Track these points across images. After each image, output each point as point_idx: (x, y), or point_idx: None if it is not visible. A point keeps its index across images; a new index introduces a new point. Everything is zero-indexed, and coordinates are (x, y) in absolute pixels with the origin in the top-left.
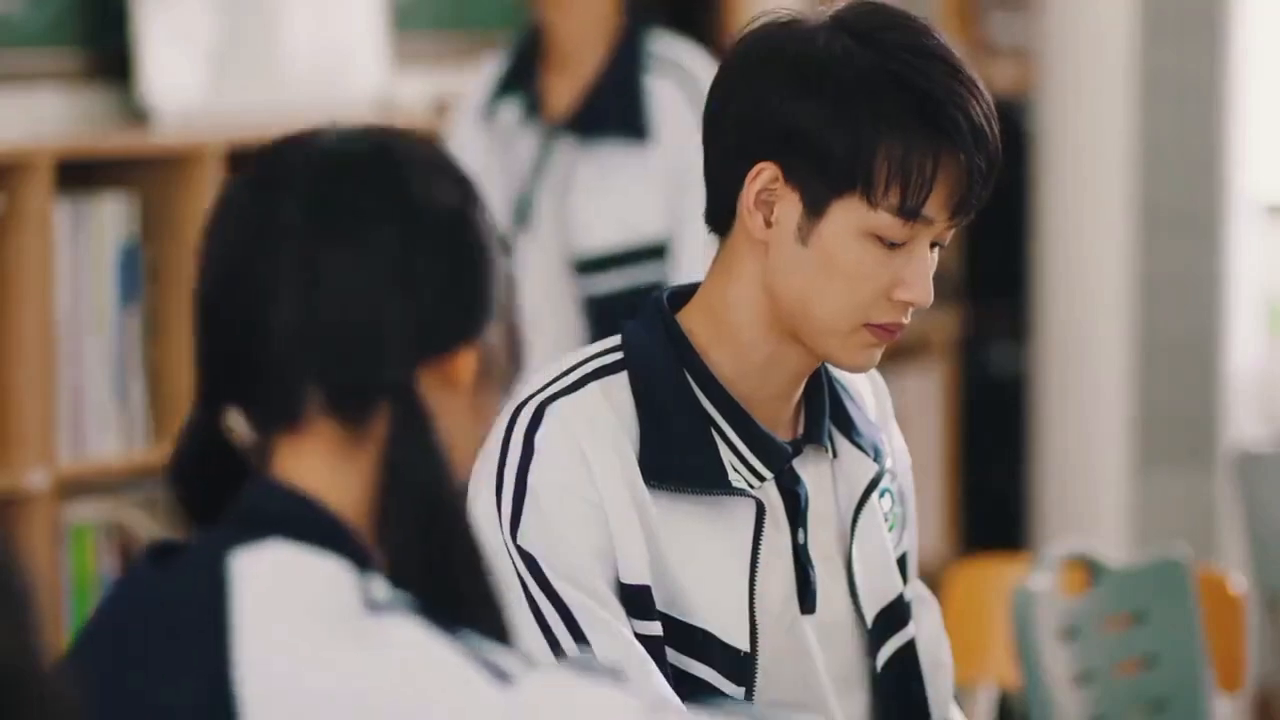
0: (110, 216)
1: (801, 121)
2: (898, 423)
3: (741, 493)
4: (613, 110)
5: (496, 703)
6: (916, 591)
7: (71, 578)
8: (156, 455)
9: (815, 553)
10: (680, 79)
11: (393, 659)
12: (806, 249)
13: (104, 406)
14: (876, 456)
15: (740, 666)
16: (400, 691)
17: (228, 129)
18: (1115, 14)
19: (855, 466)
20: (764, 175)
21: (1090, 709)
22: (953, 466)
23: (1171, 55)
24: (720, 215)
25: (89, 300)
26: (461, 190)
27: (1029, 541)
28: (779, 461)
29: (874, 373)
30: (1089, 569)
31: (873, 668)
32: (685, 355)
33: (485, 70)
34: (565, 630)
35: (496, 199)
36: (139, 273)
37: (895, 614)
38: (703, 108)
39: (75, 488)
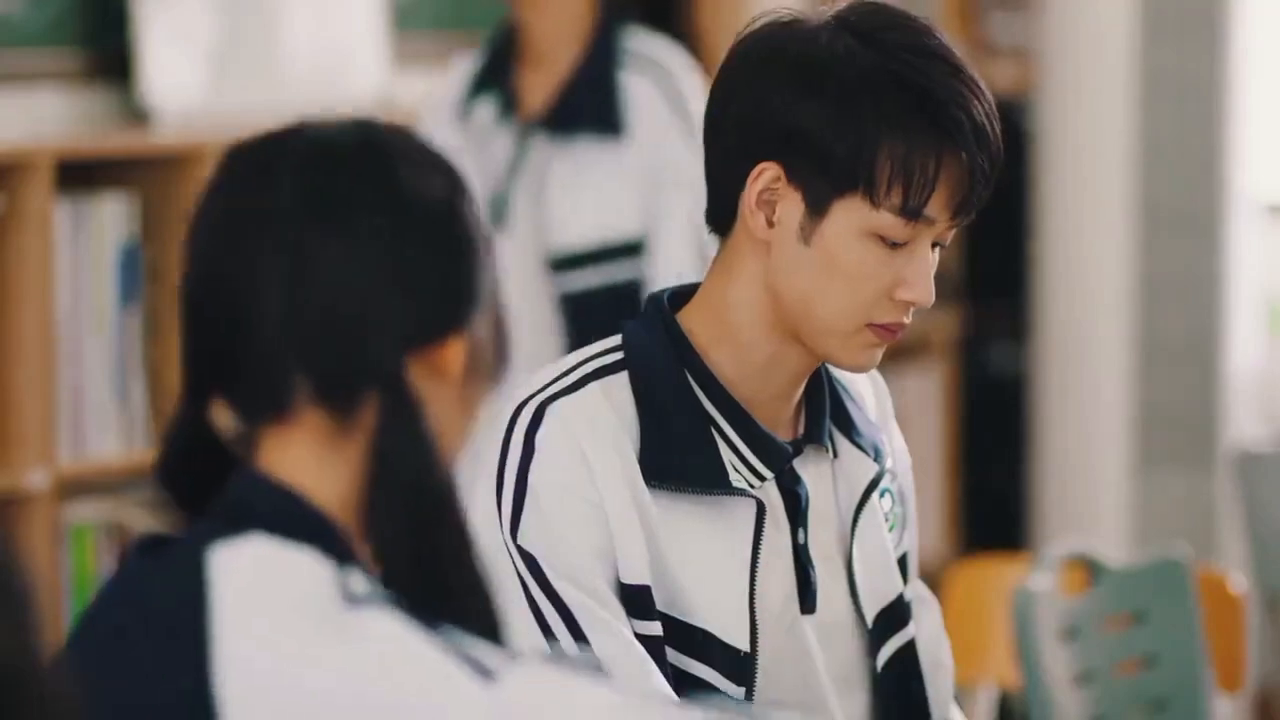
0: (110, 216)
1: (804, 121)
2: (898, 423)
3: (742, 493)
4: (587, 107)
5: (479, 699)
6: (917, 592)
7: (71, 578)
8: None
9: (815, 553)
10: (656, 76)
11: (371, 653)
12: (808, 249)
13: (104, 406)
14: (877, 456)
15: (740, 666)
16: (380, 686)
17: (228, 129)
18: (1115, 14)
19: (856, 466)
20: (766, 175)
21: (1090, 709)
22: (953, 466)
23: (1171, 55)
24: (721, 215)
25: (89, 300)
26: (449, 181)
27: (1029, 541)
28: (779, 461)
29: (874, 373)
30: (1089, 569)
31: (873, 668)
32: (686, 355)
33: (459, 69)
34: (565, 630)
35: None
36: (139, 273)
37: (895, 614)
38: (679, 104)
39: (75, 488)
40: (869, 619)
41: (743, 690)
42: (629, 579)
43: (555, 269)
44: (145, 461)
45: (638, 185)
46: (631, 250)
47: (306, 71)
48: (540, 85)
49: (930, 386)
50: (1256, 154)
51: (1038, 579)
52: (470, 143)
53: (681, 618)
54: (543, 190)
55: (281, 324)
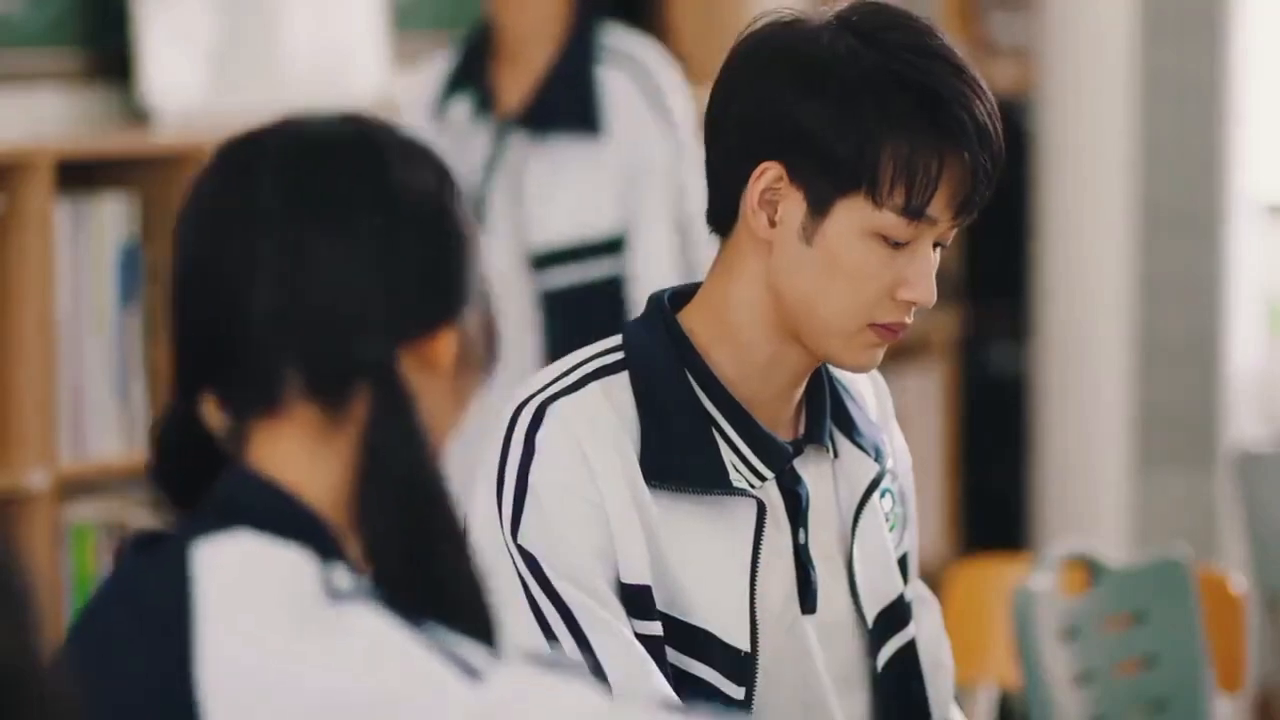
0: (110, 216)
1: (806, 121)
2: (898, 423)
3: (742, 493)
4: (565, 104)
5: (464, 699)
6: (917, 592)
7: (71, 578)
8: None
9: (816, 552)
10: (634, 72)
11: (356, 650)
12: (810, 248)
13: (104, 406)
14: (878, 456)
15: (741, 666)
16: (364, 683)
17: (228, 129)
18: (1115, 14)
19: (856, 466)
20: (768, 175)
21: (1090, 709)
22: (953, 466)
23: (1171, 55)
24: (722, 215)
25: (89, 300)
26: (437, 174)
27: (1029, 541)
28: (780, 461)
29: (875, 373)
30: (1089, 569)
31: (873, 668)
32: (686, 355)
33: (434, 67)
34: (565, 630)
35: None
36: (139, 273)
37: (896, 614)
38: (657, 100)
39: (75, 488)
40: (869, 619)
41: (743, 690)
42: (629, 579)
43: (534, 267)
44: (145, 461)
45: (616, 181)
46: (611, 247)
47: (306, 71)
48: (516, 82)
49: (930, 386)
50: (1256, 154)
51: (1038, 579)
52: (446, 141)
53: (682, 618)
54: (521, 187)
55: (272, 318)
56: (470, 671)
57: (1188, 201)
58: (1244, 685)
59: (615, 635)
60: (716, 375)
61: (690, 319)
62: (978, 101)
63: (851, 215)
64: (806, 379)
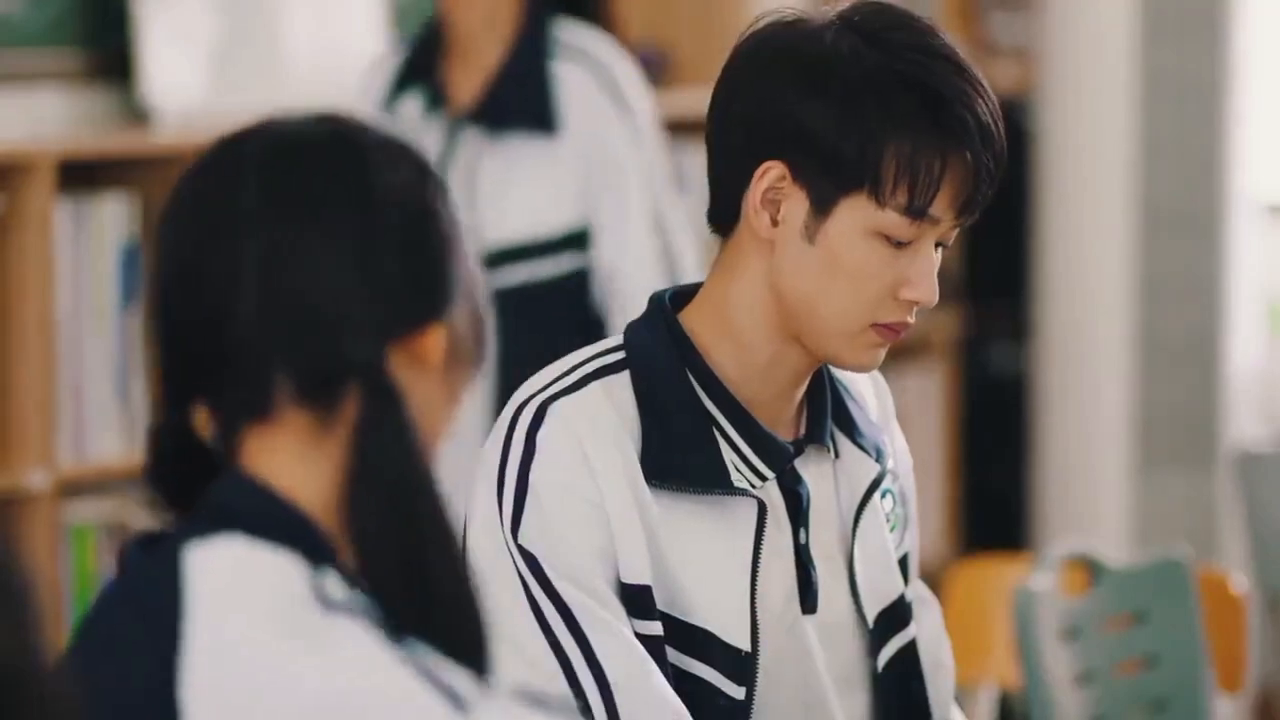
0: (111, 217)
1: (809, 121)
2: (899, 423)
3: (743, 492)
4: (518, 101)
5: None
6: (917, 592)
7: (71, 578)
8: None
9: (817, 553)
10: (589, 65)
11: (342, 665)
12: (813, 248)
13: (104, 406)
14: (878, 457)
15: (741, 666)
16: (350, 702)
17: (228, 129)
18: (1115, 14)
19: (857, 467)
20: (771, 174)
21: (1091, 709)
22: (953, 466)
23: (1171, 55)
24: (724, 215)
25: (90, 300)
26: (419, 171)
27: (1029, 541)
28: (781, 461)
29: (876, 373)
30: (1089, 569)
31: (874, 668)
32: (687, 355)
33: (383, 65)
34: (566, 630)
35: None
36: (140, 273)
37: (896, 614)
38: (616, 92)
39: (75, 488)
40: (870, 619)
41: (743, 690)
42: (630, 579)
43: (488, 265)
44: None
45: (574, 176)
46: (566, 244)
47: (306, 71)
48: (468, 79)
49: (930, 386)
50: (1256, 154)
51: (1038, 579)
52: None
53: (682, 617)
54: (475, 186)
55: (258, 323)
56: (457, 701)
57: (1188, 201)
58: (1244, 685)
59: (615, 635)
60: (718, 375)
61: (691, 319)
62: (980, 101)
63: (854, 215)
64: (808, 379)
